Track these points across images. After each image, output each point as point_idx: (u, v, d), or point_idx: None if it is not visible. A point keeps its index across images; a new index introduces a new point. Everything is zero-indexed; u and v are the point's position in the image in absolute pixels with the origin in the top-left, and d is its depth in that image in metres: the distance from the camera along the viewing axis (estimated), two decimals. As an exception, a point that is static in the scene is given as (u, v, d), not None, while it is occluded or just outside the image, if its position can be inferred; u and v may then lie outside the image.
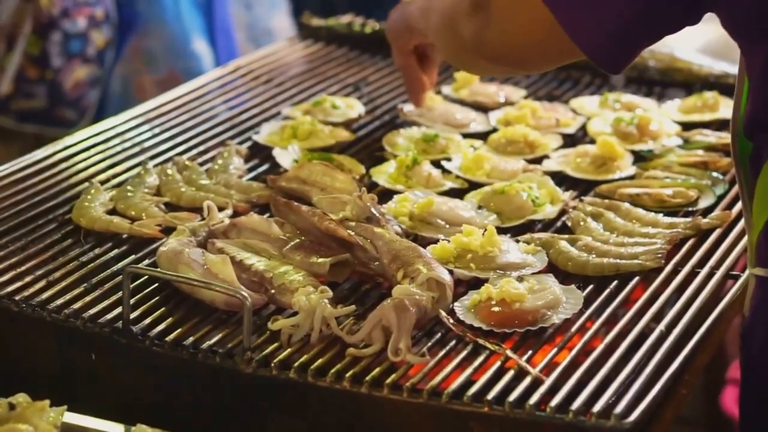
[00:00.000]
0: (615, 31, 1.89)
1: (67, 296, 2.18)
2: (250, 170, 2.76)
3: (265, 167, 2.77)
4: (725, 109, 3.04)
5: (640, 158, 2.80)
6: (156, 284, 2.22)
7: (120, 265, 2.29)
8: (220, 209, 2.44)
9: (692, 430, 4.19)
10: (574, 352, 2.02)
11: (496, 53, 2.06)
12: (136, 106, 3.06)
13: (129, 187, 2.57)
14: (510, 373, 1.97)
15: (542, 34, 1.94)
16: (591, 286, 2.24)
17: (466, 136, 2.94)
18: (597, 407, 1.85)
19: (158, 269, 2.22)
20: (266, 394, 2.03)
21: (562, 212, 2.53)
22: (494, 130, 2.96)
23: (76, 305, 2.15)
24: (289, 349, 2.04)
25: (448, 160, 2.77)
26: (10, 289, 2.19)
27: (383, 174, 2.71)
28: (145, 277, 2.22)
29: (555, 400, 1.87)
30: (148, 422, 1.87)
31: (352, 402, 1.97)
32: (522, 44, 2.01)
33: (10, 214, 2.48)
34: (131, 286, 2.12)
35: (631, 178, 2.69)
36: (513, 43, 2.02)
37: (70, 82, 4.51)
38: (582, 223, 2.45)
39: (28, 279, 2.23)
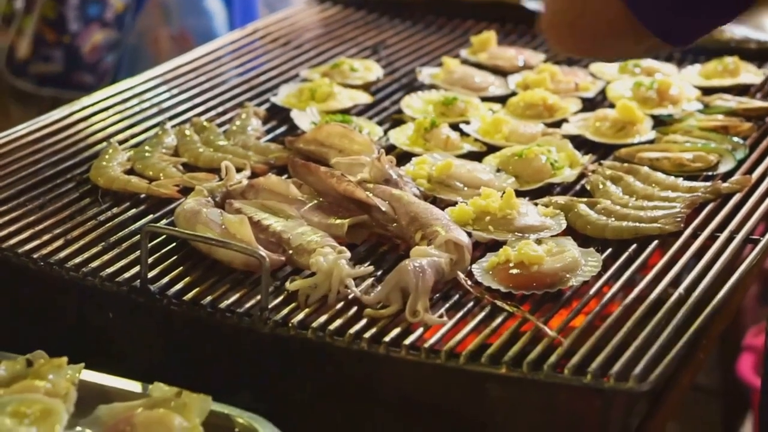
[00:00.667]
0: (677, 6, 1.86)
1: (85, 255, 2.18)
2: (268, 132, 2.75)
3: (283, 129, 2.77)
4: (746, 74, 3.02)
5: (659, 123, 2.78)
6: (174, 244, 2.21)
7: (138, 224, 2.28)
8: (238, 170, 2.44)
9: (708, 397, 4.19)
10: (591, 315, 2.02)
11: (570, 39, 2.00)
12: (150, 60, 3.06)
13: (147, 148, 2.57)
14: (527, 335, 1.96)
15: (611, 15, 1.90)
16: (610, 250, 2.23)
17: (484, 99, 2.93)
18: (615, 369, 1.85)
19: (176, 228, 2.21)
20: (284, 354, 2.02)
21: (581, 176, 2.52)
22: (513, 93, 2.95)
23: (94, 264, 2.15)
24: (306, 310, 2.03)
25: (467, 123, 2.77)
26: (28, 247, 2.19)
27: (402, 137, 2.70)
28: (163, 236, 2.22)
29: (572, 362, 1.87)
30: (165, 381, 1.88)
31: (370, 362, 1.97)
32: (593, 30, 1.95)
33: (28, 173, 2.49)
34: (149, 245, 2.11)
35: (651, 142, 2.68)
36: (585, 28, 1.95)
37: (88, 46, 4.50)
38: (601, 187, 2.44)
39: (46, 237, 2.23)
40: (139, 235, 2.18)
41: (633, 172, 2.49)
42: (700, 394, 4.11)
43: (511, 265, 2.11)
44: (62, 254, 2.18)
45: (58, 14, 4.47)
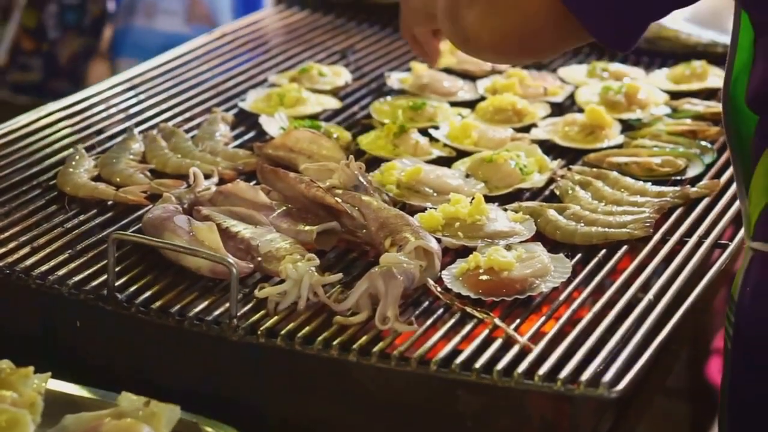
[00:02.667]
0: (622, 9, 1.85)
1: (52, 263, 2.16)
2: (236, 137, 2.74)
3: (251, 135, 2.75)
4: (713, 78, 3.03)
5: (628, 127, 2.79)
6: (141, 251, 2.20)
7: (105, 232, 2.27)
8: (206, 176, 2.42)
9: (677, 400, 4.20)
10: (561, 321, 2.01)
11: (497, 43, 1.94)
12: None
13: (114, 154, 2.55)
14: (498, 342, 1.96)
15: (546, 19, 1.88)
16: (579, 255, 2.23)
17: (453, 104, 2.93)
18: (585, 376, 1.84)
19: (144, 236, 2.20)
20: (253, 362, 2.01)
21: (550, 181, 2.52)
22: (482, 98, 2.95)
23: (61, 272, 2.13)
24: (275, 317, 2.02)
25: (436, 128, 2.76)
26: (-6, 255, 2.17)
27: (370, 142, 2.69)
28: (130, 245, 2.20)
29: (543, 369, 1.86)
30: (133, 390, 1.86)
31: (340, 370, 1.96)
32: (525, 31, 1.90)
33: (-7, 180, 2.47)
34: (117, 253, 2.10)
35: (620, 146, 2.68)
36: (515, 30, 1.91)
37: (66, 53, 4.49)
38: (570, 192, 2.44)
39: (12, 245, 2.21)
40: (106, 243, 2.16)
41: (602, 177, 2.49)
42: (668, 398, 4.12)
43: (480, 271, 2.11)
44: (28, 262, 2.16)
45: (38, 22, 4.46)
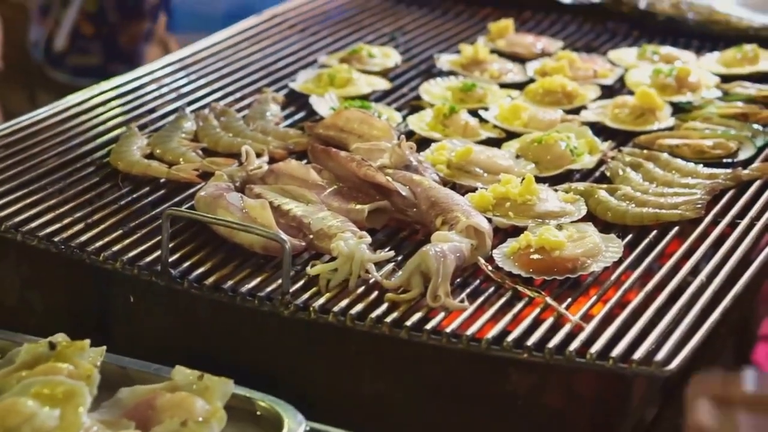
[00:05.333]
0: None
1: (106, 239, 2.18)
2: (286, 117, 2.75)
3: (301, 115, 2.77)
4: (765, 61, 3.02)
5: (678, 110, 2.78)
6: (194, 228, 2.21)
7: (159, 209, 2.28)
8: (258, 155, 2.43)
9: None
10: (613, 300, 2.01)
11: None
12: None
13: (166, 132, 2.57)
14: (549, 321, 1.96)
15: None
16: (630, 236, 2.22)
17: (503, 86, 2.92)
18: (637, 355, 1.84)
19: (197, 212, 2.21)
20: (304, 338, 2.03)
21: (601, 162, 2.51)
22: (531, 80, 2.95)
23: (115, 248, 2.15)
24: (327, 294, 2.03)
25: (486, 109, 2.76)
26: (49, 230, 2.19)
27: (420, 123, 2.70)
28: (183, 221, 2.22)
29: (595, 348, 1.86)
30: (187, 365, 1.87)
31: (391, 347, 1.97)
32: None
33: (47, 157, 2.49)
34: (170, 229, 2.11)
35: (670, 129, 2.68)
36: None
37: (125, 37, 4.53)
38: (621, 173, 2.44)
39: (66, 221, 2.22)
40: (159, 220, 2.18)
41: (653, 159, 2.49)
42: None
43: (531, 250, 2.11)
44: (83, 238, 2.18)
45: (98, 7, 4.50)
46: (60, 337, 1.86)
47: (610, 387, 1.92)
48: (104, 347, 1.85)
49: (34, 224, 2.20)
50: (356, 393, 2.02)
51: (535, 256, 2.10)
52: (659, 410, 2.19)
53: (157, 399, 1.78)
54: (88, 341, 1.83)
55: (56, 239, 2.17)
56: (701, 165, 2.47)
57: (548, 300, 2.00)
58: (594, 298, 2.02)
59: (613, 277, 2.09)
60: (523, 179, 2.31)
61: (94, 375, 1.75)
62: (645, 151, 2.53)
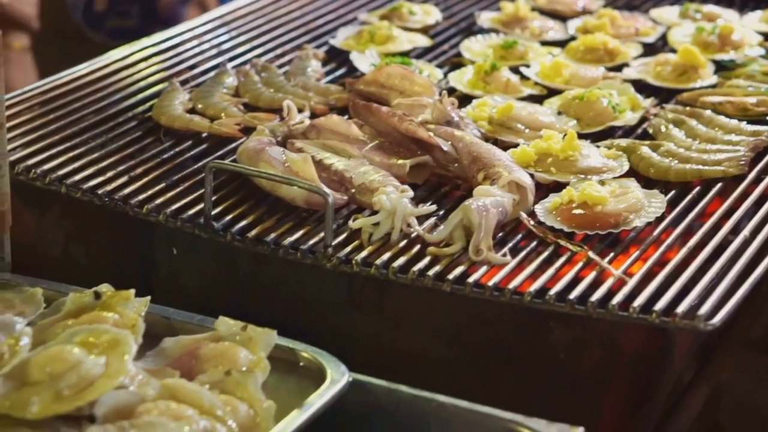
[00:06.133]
0: None
1: (149, 192, 2.19)
2: (327, 74, 2.75)
3: (342, 71, 2.77)
4: (809, 19, 2.99)
5: (721, 68, 2.76)
6: (236, 182, 2.22)
7: (201, 162, 2.29)
8: (299, 111, 2.44)
9: (759, 353, 4.16)
10: (656, 255, 2.01)
11: None
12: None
13: (208, 88, 2.58)
14: (591, 276, 1.95)
15: None
16: (673, 192, 2.22)
17: (544, 43, 2.91)
18: (680, 309, 1.84)
19: (241, 165, 2.22)
20: (346, 291, 2.03)
21: (643, 119, 2.51)
22: (572, 38, 2.93)
23: (158, 201, 2.16)
24: (369, 247, 2.04)
25: (527, 66, 2.75)
26: (93, 183, 2.20)
27: (461, 80, 2.69)
28: (226, 175, 2.22)
29: (638, 302, 1.86)
30: (230, 316, 1.87)
31: (433, 300, 1.97)
32: None
33: (90, 112, 2.50)
34: (213, 182, 2.12)
35: (713, 87, 2.66)
36: None
37: (164, 0, 4.54)
38: (663, 130, 2.43)
39: (110, 174, 2.24)
40: (202, 173, 2.18)
41: (696, 116, 2.47)
42: (751, 350, 4.08)
43: (574, 205, 2.10)
44: (126, 191, 2.19)
45: None
46: (105, 288, 1.87)
47: (652, 342, 1.92)
48: (148, 297, 1.85)
49: (78, 177, 2.22)
50: (397, 347, 2.02)
51: (578, 211, 2.09)
52: (698, 369, 2.19)
53: (201, 349, 1.78)
54: (132, 291, 1.83)
55: (100, 192, 2.18)
56: (744, 122, 2.45)
57: (590, 254, 2.00)
58: (637, 252, 2.02)
59: (655, 233, 2.09)
60: (565, 135, 2.30)
61: (138, 324, 1.76)
62: (688, 108, 2.52)
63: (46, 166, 2.24)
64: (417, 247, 2.04)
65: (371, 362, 1.84)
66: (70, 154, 2.30)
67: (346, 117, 2.43)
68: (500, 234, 2.08)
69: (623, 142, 2.37)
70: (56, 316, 1.82)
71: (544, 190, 2.23)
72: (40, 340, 1.72)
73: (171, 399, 1.62)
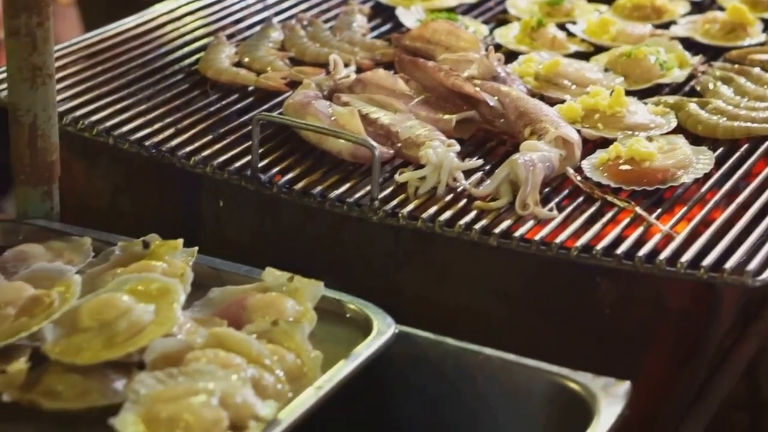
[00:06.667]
0: None
1: (196, 144, 2.19)
2: (372, 29, 2.75)
3: (387, 26, 2.76)
4: None
5: (771, 26, 2.74)
6: (283, 135, 2.22)
7: (248, 115, 2.29)
8: (345, 65, 2.43)
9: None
10: (704, 210, 2.00)
11: None
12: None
13: (254, 42, 2.58)
14: (638, 231, 1.95)
15: None
16: (721, 149, 2.20)
17: (590, 0, 2.89)
18: (729, 264, 1.83)
19: (288, 117, 2.22)
20: (392, 245, 2.04)
21: (691, 77, 2.49)
22: (619, -6, 2.91)
23: (205, 153, 2.17)
24: (415, 201, 2.04)
25: (573, 23, 2.74)
26: (140, 135, 2.21)
27: (507, 36, 2.68)
28: (272, 128, 2.23)
29: (685, 257, 1.85)
30: (275, 268, 1.88)
31: (479, 254, 1.97)
32: None
33: (137, 64, 2.50)
34: (260, 135, 2.12)
35: (761, 45, 2.63)
36: None
37: None
38: (711, 87, 2.41)
39: (157, 126, 2.24)
40: (248, 126, 2.19)
41: (744, 73, 2.46)
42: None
43: (621, 161, 2.10)
44: (173, 143, 2.19)
45: None
46: (153, 237, 1.88)
47: (699, 298, 1.92)
48: (196, 248, 1.86)
49: (125, 129, 2.22)
50: (442, 300, 2.03)
51: (625, 167, 2.08)
52: (744, 327, 2.19)
53: (248, 299, 1.79)
54: (181, 240, 1.84)
55: (147, 143, 2.19)
56: (794, 80, 2.44)
57: (638, 210, 1.99)
58: (684, 208, 2.01)
59: (703, 189, 2.08)
60: (613, 91, 2.29)
61: (187, 273, 1.77)
62: (736, 66, 2.50)
63: (94, 118, 2.25)
64: (463, 202, 2.04)
65: (416, 315, 1.85)
66: (117, 106, 2.30)
67: (392, 72, 2.43)
68: (546, 189, 2.07)
69: (671, 99, 2.35)
70: (105, 264, 1.84)
71: (590, 146, 2.22)
72: (90, 289, 1.74)
73: (219, 347, 1.63)
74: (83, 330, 1.64)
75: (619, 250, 1.88)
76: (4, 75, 2.28)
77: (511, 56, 2.57)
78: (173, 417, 1.48)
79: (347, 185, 2.09)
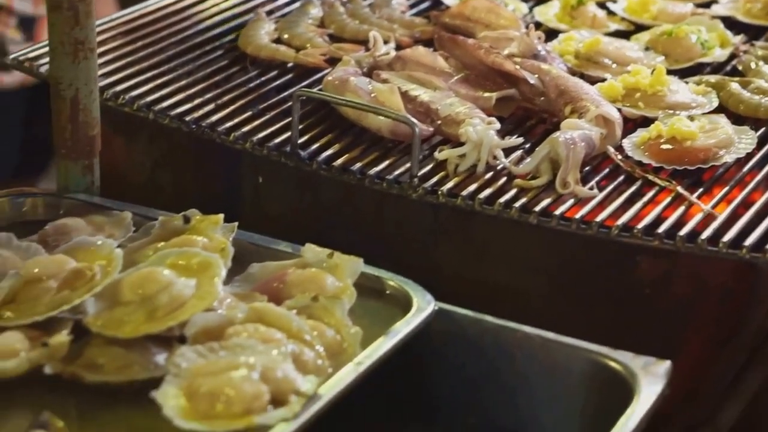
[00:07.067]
0: None
1: (236, 120, 2.19)
2: (411, 7, 2.74)
3: (426, 4, 2.75)
4: None
5: (814, 6, 2.71)
6: (322, 111, 2.22)
7: (288, 91, 2.29)
8: (384, 42, 2.43)
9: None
10: (746, 190, 1.99)
11: None
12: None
13: (293, 18, 2.57)
14: (679, 210, 1.94)
15: None
16: (763, 129, 2.19)
17: (631, -22, 2.87)
18: (771, 245, 1.82)
19: (328, 94, 2.22)
20: (431, 222, 2.03)
21: (732, 56, 2.47)
22: (661, -26, 2.89)
23: (245, 129, 2.16)
24: (455, 178, 2.03)
25: (614, 1, 2.72)
26: (180, 110, 2.21)
27: (547, 14, 2.67)
28: (312, 105, 2.23)
29: (727, 237, 1.84)
30: (315, 244, 1.88)
31: (519, 232, 1.97)
32: None
33: (176, 40, 2.50)
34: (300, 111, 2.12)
35: (805, 24, 2.62)
36: None
37: None
38: (753, 67, 2.39)
39: (197, 101, 2.24)
40: (288, 103, 2.19)
41: (787, 53, 2.44)
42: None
43: (662, 140, 2.08)
44: (213, 118, 2.19)
45: None
46: (193, 212, 1.88)
47: (740, 278, 1.91)
48: (236, 223, 1.87)
49: (165, 104, 2.22)
50: (480, 278, 2.02)
51: (666, 146, 2.07)
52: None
53: (288, 275, 1.79)
54: (221, 216, 1.85)
55: (187, 119, 2.19)
56: (837, 60, 2.42)
57: (679, 189, 1.98)
58: (726, 188, 2.00)
59: (745, 169, 2.06)
60: (654, 70, 2.28)
61: (228, 248, 1.77)
62: (778, 46, 2.48)
63: (134, 93, 2.25)
64: (503, 180, 2.03)
65: (454, 293, 1.85)
66: (157, 82, 2.30)
67: (432, 50, 2.42)
68: (586, 168, 2.06)
69: (712, 78, 2.34)
70: (145, 239, 1.84)
71: (631, 125, 2.21)
72: (130, 263, 1.74)
73: (259, 322, 1.63)
74: (125, 303, 1.65)
75: (660, 230, 1.87)
76: (47, 49, 2.30)
77: (551, 34, 2.55)
78: (214, 391, 1.48)
79: (386, 162, 2.08)
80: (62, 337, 1.60)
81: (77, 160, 2.03)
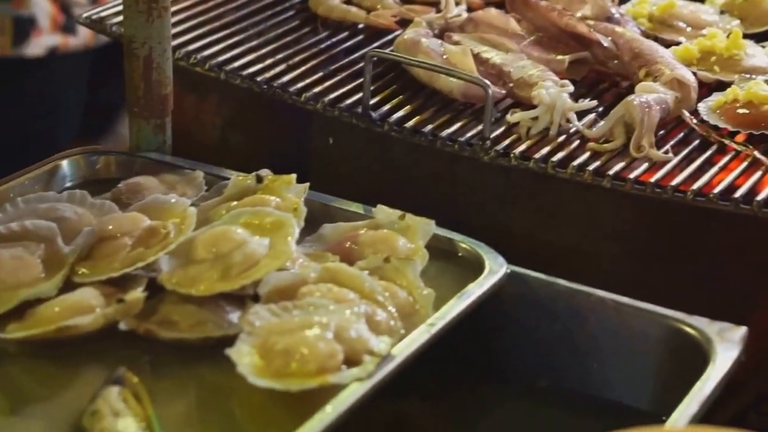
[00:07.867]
0: None
1: (307, 80, 2.18)
2: (483, -31, 2.71)
3: (498, -34, 2.72)
4: None
5: None
6: (393, 73, 2.21)
7: (359, 53, 2.28)
8: (456, 4, 2.41)
9: None
10: (825, 156, 1.96)
11: None
12: None
13: (364, -21, 2.56)
14: (756, 175, 1.91)
15: None
16: (842, 94, 2.15)
17: (706, -59, 2.83)
18: None
19: (401, 55, 2.20)
20: (503, 185, 2.02)
21: (810, 19, 2.43)
22: (737, -63, 2.85)
23: (316, 89, 2.16)
24: (527, 141, 2.02)
25: (688, -35, 2.68)
26: (251, 70, 2.21)
27: (619, -23, 2.64)
28: (382, 66, 2.22)
29: (809, 202, 1.82)
30: (386, 205, 1.88)
31: (592, 195, 1.95)
32: None
33: (246, 1, 2.49)
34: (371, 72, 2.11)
35: None
36: None
37: None
38: (834, 30, 2.35)
39: (268, 62, 2.24)
40: (359, 64, 2.18)
41: None
42: None
43: (738, 104, 2.06)
44: (284, 79, 2.19)
45: None
46: (266, 172, 1.88)
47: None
48: (308, 183, 1.87)
49: (236, 64, 2.22)
50: (552, 241, 2.01)
51: (742, 111, 2.04)
52: None
53: (359, 236, 1.80)
54: (294, 176, 1.85)
55: (258, 79, 2.18)
56: None
57: (756, 154, 1.95)
58: (805, 153, 1.97)
59: (823, 134, 2.04)
60: (729, 34, 2.25)
61: (300, 207, 1.78)
62: None
63: (206, 53, 2.25)
64: (576, 143, 2.01)
65: (525, 256, 1.84)
66: (229, 42, 2.30)
67: (504, 11, 2.40)
68: (661, 132, 2.04)
69: (790, 41, 2.31)
70: (218, 198, 1.85)
71: (705, 90, 2.18)
72: (204, 221, 1.75)
73: (332, 282, 1.64)
74: (198, 261, 1.65)
75: (737, 195, 1.85)
76: (116, 9, 2.31)
77: (623, -2, 2.53)
78: (289, 349, 1.48)
79: (458, 125, 2.07)
80: (137, 293, 1.60)
81: (149, 119, 2.04)
